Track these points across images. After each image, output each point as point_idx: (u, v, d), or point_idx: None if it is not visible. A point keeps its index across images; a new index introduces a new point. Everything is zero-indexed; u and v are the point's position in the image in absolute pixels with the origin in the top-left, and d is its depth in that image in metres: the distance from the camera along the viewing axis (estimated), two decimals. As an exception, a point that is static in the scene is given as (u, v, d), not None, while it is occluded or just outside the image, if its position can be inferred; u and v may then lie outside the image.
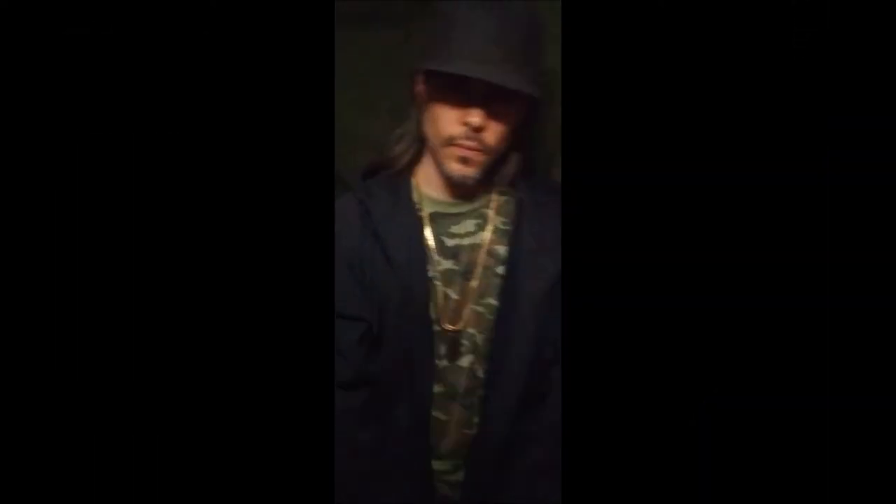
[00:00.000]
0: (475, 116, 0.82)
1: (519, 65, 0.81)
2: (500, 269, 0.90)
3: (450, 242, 0.90)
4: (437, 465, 0.91)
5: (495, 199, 0.92)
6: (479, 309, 0.89)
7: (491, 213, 0.92)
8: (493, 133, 0.85)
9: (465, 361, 0.89)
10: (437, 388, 0.88)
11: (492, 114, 0.83)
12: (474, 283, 0.89)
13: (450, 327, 0.88)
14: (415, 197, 0.92)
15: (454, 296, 0.89)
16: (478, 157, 0.85)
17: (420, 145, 0.91)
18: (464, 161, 0.86)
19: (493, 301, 0.89)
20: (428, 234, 0.90)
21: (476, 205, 0.92)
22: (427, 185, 0.92)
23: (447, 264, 0.89)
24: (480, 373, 0.88)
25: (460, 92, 0.83)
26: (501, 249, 0.91)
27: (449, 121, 0.85)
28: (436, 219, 0.91)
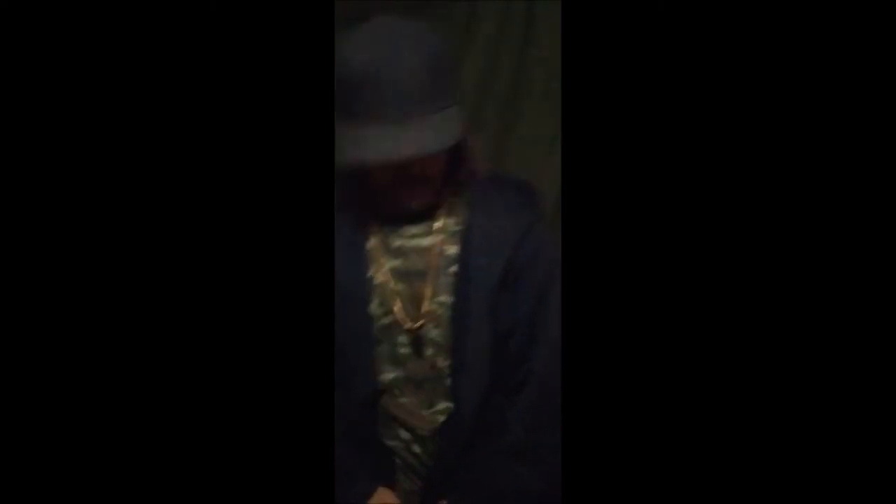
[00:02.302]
0: (413, 199, 0.88)
1: (431, 109, 0.83)
2: (453, 269, 0.93)
3: (396, 243, 0.93)
4: (411, 445, 0.94)
5: (447, 201, 0.95)
6: (435, 307, 0.92)
7: (442, 213, 0.95)
8: (431, 172, 0.88)
9: (427, 352, 0.93)
10: (396, 374, 0.92)
11: (421, 164, 0.86)
12: (428, 283, 0.92)
13: (411, 325, 0.92)
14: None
15: (405, 292, 0.92)
16: (420, 189, 0.89)
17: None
18: (409, 197, 0.89)
19: (447, 298, 0.92)
20: (373, 238, 0.94)
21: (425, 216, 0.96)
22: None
23: (394, 263, 0.93)
24: (442, 362, 0.92)
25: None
26: (452, 250, 0.93)
27: (384, 175, 0.87)
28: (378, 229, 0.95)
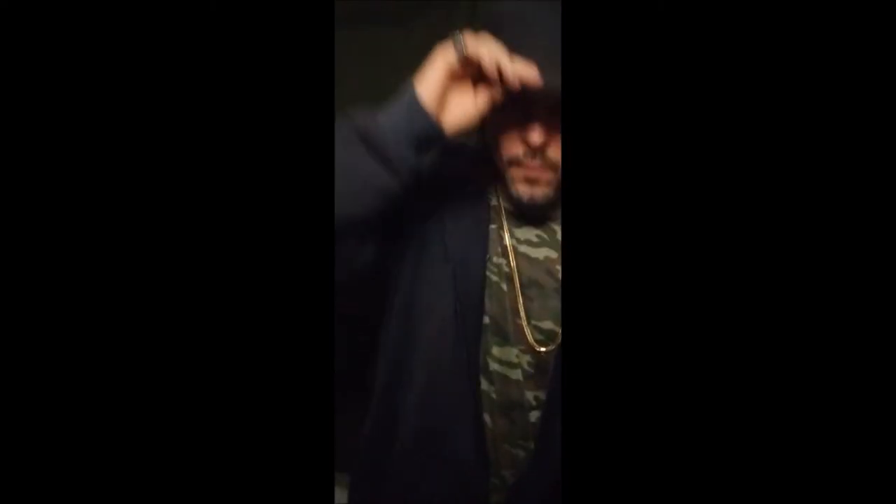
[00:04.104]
0: (535, 134, 0.77)
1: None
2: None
3: (507, 241, 0.85)
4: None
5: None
6: (530, 329, 0.83)
7: (560, 228, 0.84)
8: (559, 147, 0.78)
9: (516, 375, 0.83)
10: (486, 388, 0.84)
11: (554, 126, 0.77)
12: (528, 300, 0.83)
13: (536, 347, 0.83)
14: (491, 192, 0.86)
15: (505, 300, 0.84)
16: (545, 175, 0.80)
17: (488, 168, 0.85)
18: (530, 181, 0.81)
19: (550, 325, 0.83)
20: (492, 225, 0.85)
21: (547, 213, 0.86)
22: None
23: (502, 263, 0.84)
24: (534, 394, 0.83)
25: (519, 106, 0.76)
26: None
27: (509, 139, 0.79)
28: (502, 212, 0.86)
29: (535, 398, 0.84)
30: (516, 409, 0.84)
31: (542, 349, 0.82)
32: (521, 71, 0.71)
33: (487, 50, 0.71)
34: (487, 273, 0.84)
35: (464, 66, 0.72)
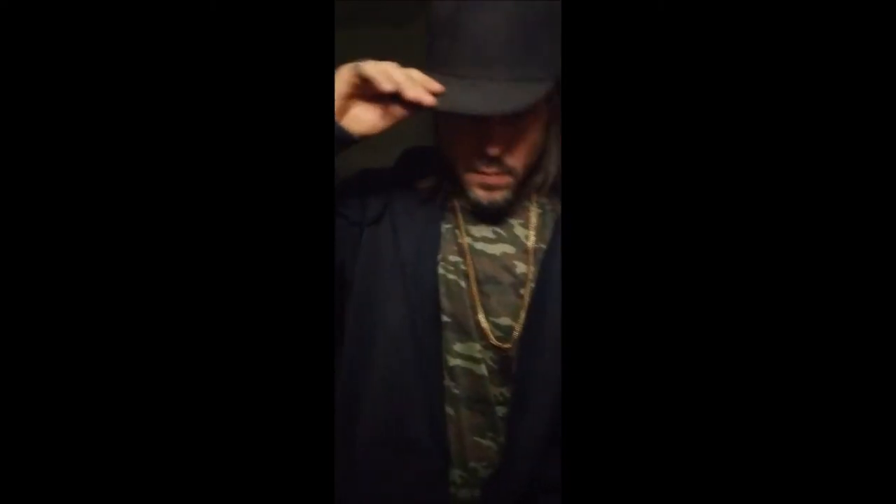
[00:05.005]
0: (492, 146, 0.79)
1: (528, 63, 0.76)
2: (521, 290, 0.84)
3: (463, 240, 0.86)
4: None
5: (528, 210, 0.87)
6: (490, 325, 0.84)
7: (517, 224, 0.87)
8: (517, 153, 0.81)
9: (480, 370, 0.84)
10: (447, 383, 0.85)
11: (510, 135, 0.79)
12: (485, 296, 0.85)
13: (499, 345, 0.83)
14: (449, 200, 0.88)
15: (463, 297, 0.85)
16: (503, 181, 0.82)
17: (446, 179, 0.87)
18: (488, 188, 0.82)
19: (507, 321, 0.84)
20: (445, 225, 0.87)
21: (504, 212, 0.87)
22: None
23: (458, 261, 0.85)
24: (499, 389, 0.84)
25: (471, 119, 0.77)
26: (520, 267, 0.85)
27: (465, 150, 0.81)
28: (458, 212, 0.87)
29: (501, 394, 0.85)
30: (482, 403, 0.85)
31: (506, 346, 0.84)
32: (419, 92, 0.74)
33: (379, 71, 0.75)
34: (443, 272, 0.85)
35: (362, 85, 0.76)
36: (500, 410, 0.85)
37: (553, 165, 0.85)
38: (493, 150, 0.79)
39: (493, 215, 0.86)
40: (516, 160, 0.81)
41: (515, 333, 0.83)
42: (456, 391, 0.85)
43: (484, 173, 0.81)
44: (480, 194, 0.82)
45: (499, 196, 0.82)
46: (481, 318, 0.84)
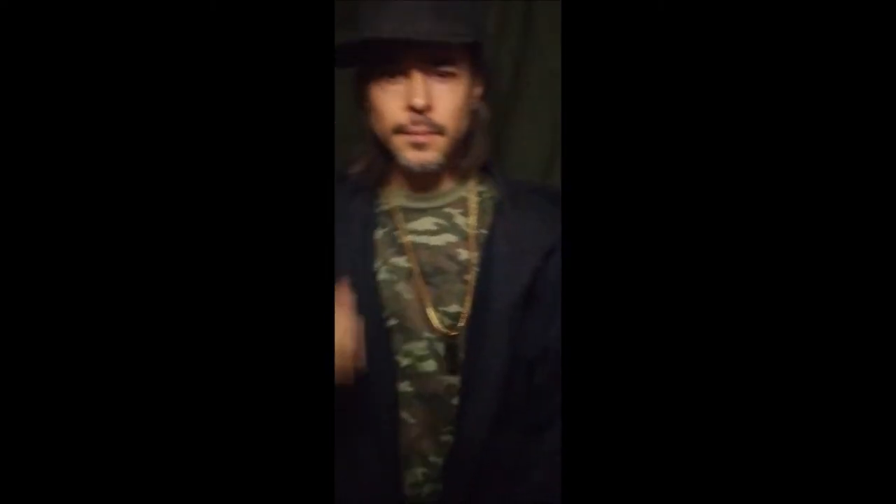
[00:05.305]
0: (417, 97, 0.78)
1: (453, 16, 0.77)
2: (466, 276, 0.85)
3: (404, 238, 0.86)
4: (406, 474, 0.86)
5: (466, 198, 0.88)
6: (438, 316, 0.84)
7: (456, 213, 0.88)
8: (443, 110, 0.80)
9: (429, 366, 0.85)
10: (402, 387, 0.85)
11: (435, 89, 0.80)
12: (433, 288, 0.85)
13: (446, 332, 0.84)
14: (380, 193, 0.89)
15: (408, 296, 0.85)
16: (431, 139, 0.81)
17: (380, 154, 0.86)
18: (417, 146, 0.81)
19: (456, 308, 0.85)
20: (381, 230, 0.87)
21: (441, 202, 0.88)
22: (395, 181, 0.88)
23: (399, 261, 0.86)
24: (449, 381, 0.84)
25: (394, 67, 0.78)
26: (464, 254, 0.86)
27: (391, 109, 0.80)
28: (396, 213, 0.88)
29: (452, 385, 0.85)
30: (436, 400, 0.85)
31: (454, 333, 0.84)
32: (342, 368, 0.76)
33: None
34: (382, 277, 0.86)
35: None
36: (455, 400, 0.85)
37: (481, 147, 0.86)
38: (419, 101, 0.78)
39: (428, 183, 0.86)
40: (443, 117, 0.80)
41: (463, 319, 0.84)
42: (409, 391, 0.85)
43: (413, 133, 0.80)
44: (411, 156, 0.81)
45: (430, 156, 0.81)
46: (430, 310, 0.84)
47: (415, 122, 0.80)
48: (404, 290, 0.85)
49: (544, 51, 1.17)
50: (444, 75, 0.80)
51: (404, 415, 0.85)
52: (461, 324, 0.84)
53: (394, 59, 0.79)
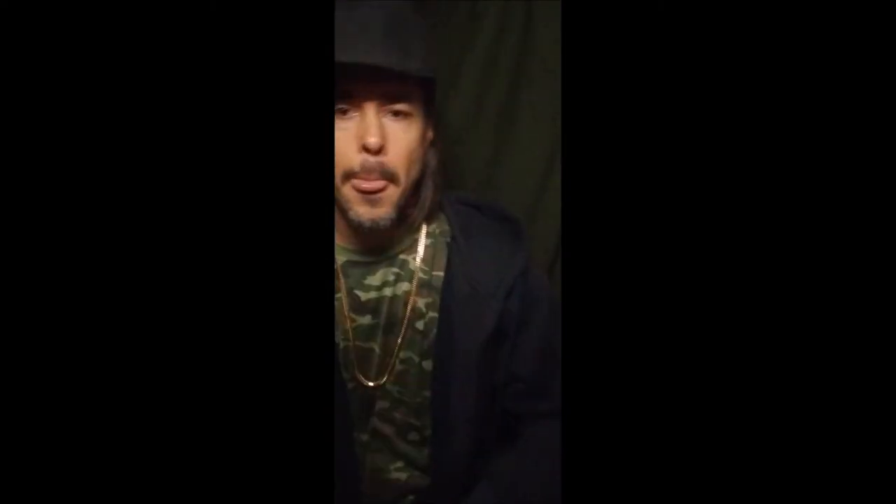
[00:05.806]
0: (371, 135, 0.74)
1: (407, 51, 0.73)
2: (419, 325, 0.84)
3: (364, 296, 0.84)
4: None
5: (418, 242, 0.86)
6: (401, 366, 0.85)
7: (411, 259, 0.86)
8: (396, 154, 0.76)
9: (396, 414, 0.86)
10: (364, 437, 0.87)
11: (390, 127, 0.76)
12: (397, 338, 0.84)
13: (368, 383, 0.84)
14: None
15: (378, 350, 0.85)
16: (384, 192, 0.77)
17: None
18: (371, 202, 0.77)
19: (413, 356, 0.85)
20: (336, 295, 0.84)
21: (394, 250, 0.86)
22: (337, 232, 0.84)
23: (363, 320, 0.84)
24: (416, 430, 0.86)
25: (346, 102, 0.75)
26: (421, 302, 0.84)
27: (341, 152, 0.76)
28: (347, 270, 0.84)
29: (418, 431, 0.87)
30: (380, 439, 0.88)
31: (376, 382, 0.85)
32: None
33: None
34: (342, 343, 0.84)
35: None
36: (426, 450, 0.87)
37: (429, 197, 0.83)
38: (372, 140, 0.74)
39: (377, 240, 0.83)
40: (396, 163, 0.76)
41: (399, 366, 0.85)
42: (364, 439, 0.87)
43: (364, 178, 0.76)
44: (362, 212, 0.77)
45: (382, 212, 0.77)
46: (389, 359, 0.85)
47: (366, 169, 0.75)
48: (361, 349, 0.85)
49: (544, 50, 1.17)
50: (398, 114, 0.76)
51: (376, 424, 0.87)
52: (395, 370, 0.85)
53: (346, 92, 0.74)
